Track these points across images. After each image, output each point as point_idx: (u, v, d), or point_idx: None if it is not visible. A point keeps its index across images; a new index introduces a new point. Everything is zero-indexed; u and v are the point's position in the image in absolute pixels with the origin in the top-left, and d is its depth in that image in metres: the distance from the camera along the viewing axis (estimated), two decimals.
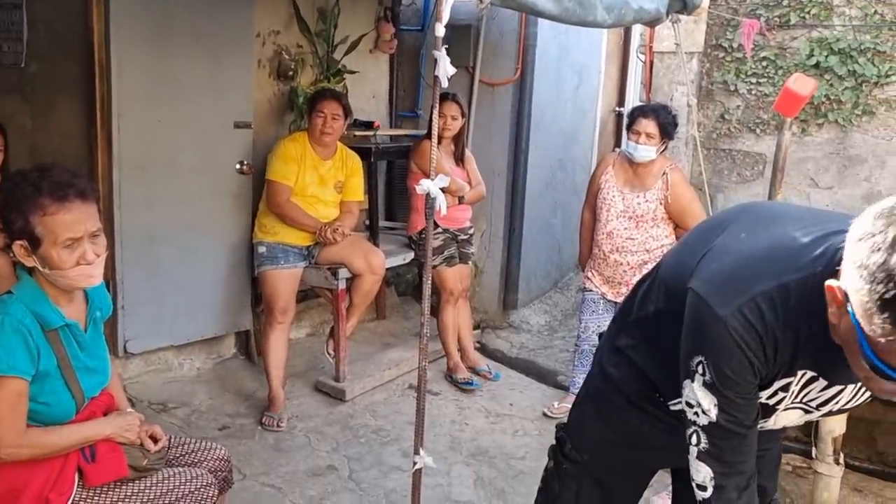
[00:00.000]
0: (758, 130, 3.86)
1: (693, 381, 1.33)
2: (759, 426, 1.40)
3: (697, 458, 1.38)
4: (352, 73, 4.32)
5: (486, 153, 4.69)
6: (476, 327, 4.72)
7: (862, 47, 3.55)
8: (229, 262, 3.80)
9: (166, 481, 1.90)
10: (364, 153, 3.98)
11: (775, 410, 1.42)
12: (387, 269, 3.86)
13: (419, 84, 5.06)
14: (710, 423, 1.34)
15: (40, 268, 1.70)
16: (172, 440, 2.08)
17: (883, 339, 1.05)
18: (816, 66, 3.63)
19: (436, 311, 4.19)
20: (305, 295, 4.19)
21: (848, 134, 3.68)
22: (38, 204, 1.66)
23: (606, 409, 1.71)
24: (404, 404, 3.77)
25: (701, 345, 1.31)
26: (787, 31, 3.72)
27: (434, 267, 4.01)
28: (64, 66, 3.34)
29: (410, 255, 4.19)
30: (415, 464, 2.20)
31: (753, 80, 3.81)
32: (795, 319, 1.23)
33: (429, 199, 2.07)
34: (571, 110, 5.56)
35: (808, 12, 3.65)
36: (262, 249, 3.61)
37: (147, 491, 1.87)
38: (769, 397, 1.37)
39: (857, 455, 3.37)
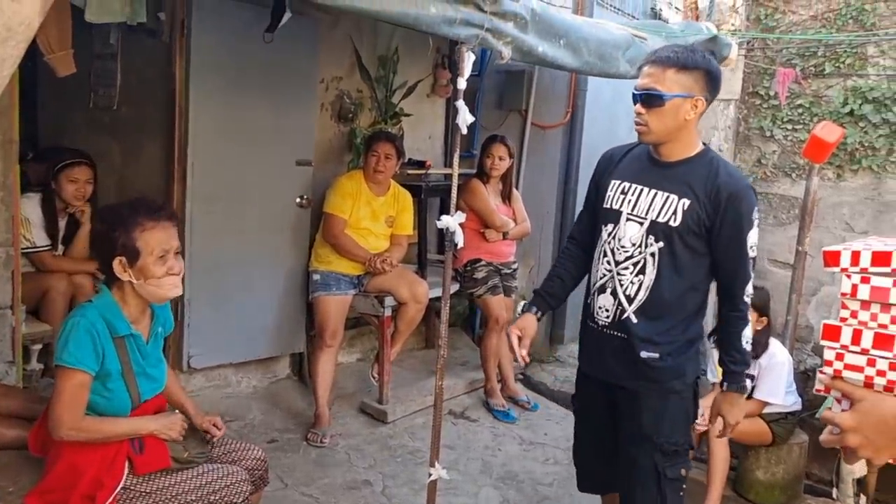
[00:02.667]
0: (793, 175, 3.94)
1: None
2: (614, 238, 2.20)
3: None
4: (407, 115, 4.63)
5: (536, 193, 4.90)
6: None
7: (895, 96, 3.61)
8: (286, 289, 4.11)
9: (205, 475, 2.17)
10: (415, 190, 4.27)
11: (620, 215, 2.17)
12: (432, 299, 4.09)
13: (475, 126, 5.33)
14: None
15: (134, 280, 2.05)
16: (216, 440, 2.37)
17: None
18: (851, 113, 3.71)
19: (482, 340, 4.40)
20: (357, 322, 4.47)
21: (882, 180, 3.72)
22: (137, 222, 2.04)
23: None
24: (443, 429, 3.90)
25: None
26: (823, 80, 3.82)
27: (479, 296, 4.23)
28: (150, 109, 3.76)
29: (456, 287, 4.42)
30: (430, 475, 2.39)
31: (789, 127, 3.90)
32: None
33: (447, 233, 2.30)
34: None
35: (843, 62, 3.73)
36: (316, 277, 3.92)
37: (188, 482, 2.14)
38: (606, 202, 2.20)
39: (892, 502, 3.34)
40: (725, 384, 2.22)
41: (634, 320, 2.18)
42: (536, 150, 5.06)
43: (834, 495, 3.15)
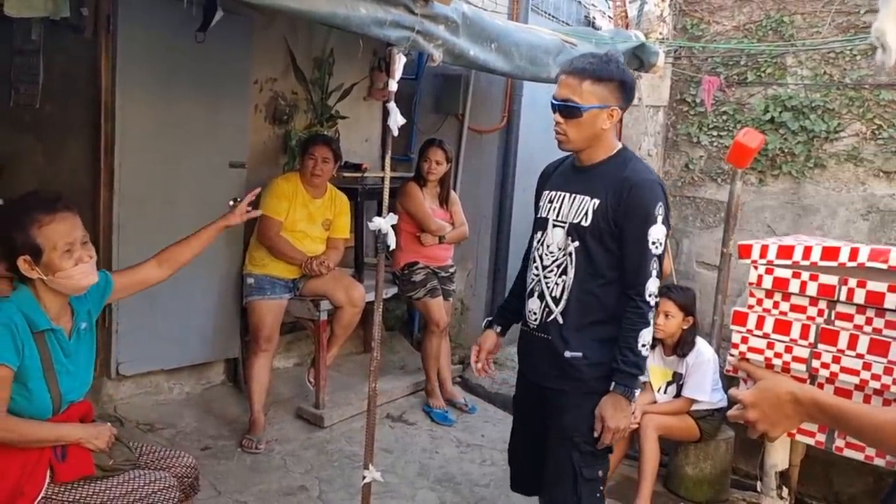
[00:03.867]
0: (719, 180, 4.08)
1: None
2: (542, 244, 2.27)
3: None
4: (343, 118, 4.61)
5: (473, 196, 4.94)
6: (460, 363, 4.91)
7: (813, 104, 3.79)
8: (220, 293, 4.04)
9: (131, 482, 2.11)
10: (352, 193, 4.25)
11: (547, 222, 2.25)
12: (368, 303, 4.07)
13: (412, 129, 5.35)
14: None
15: (43, 276, 1.98)
16: (144, 447, 2.31)
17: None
18: (772, 120, 3.87)
19: (420, 344, 4.40)
20: (293, 327, 4.42)
21: (801, 185, 3.89)
22: (33, 219, 1.96)
23: None
24: (380, 433, 3.92)
25: None
26: (745, 88, 3.98)
27: (418, 299, 4.24)
28: (74, 108, 3.64)
29: (394, 290, 4.42)
30: (363, 478, 2.38)
31: (714, 133, 4.05)
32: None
33: (380, 235, 2.30)
34: (560, 154, 5.80)
35: (764, 71, 3.90)
36: (250, 281, 3.86)
37: (113, 489, 2.07)
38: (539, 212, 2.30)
39: (813, 494, 3.48)
40: (613, 384, 2.15)
41: (560, 321, 2.22)
42: (473, 154, 5.11)
43: (758, 488, 3.26)
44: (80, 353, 2.13)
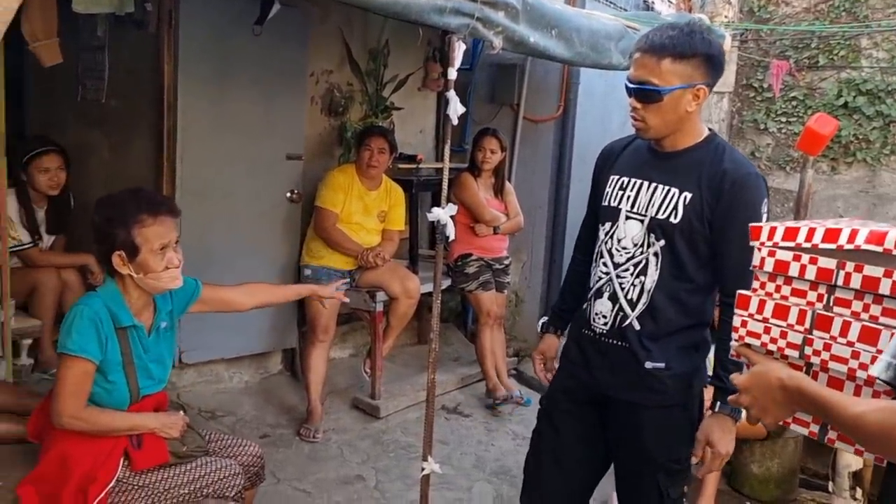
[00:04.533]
0: (788, 168, 3.92)
1: None
2: (612, 238, 2.01)
3: None
4: (398, 109, 4.60)
5: (528, 187, 4.88)
6: (514, 355, 4.87)
7: (889, 88, 3.60)
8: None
9: (200, 468, 2.16)
10: (407, 185, 4.24)
11: (618, 213, 1.98)
12: (425, 295, 4.07)
13: (466, 120, 5.30)
14: None
15: (134, 274, 2.04)
16: (212, 434, 2.36)
17: None
18: (845, 105, 3.70)
19: (474, 336, 4.37)
20: (349, 318, 4.45)
21: (876, 173, 3.71)
22: (137, 219, 2.02)
23: None
24: (436, 424, 3.86)
25: None
26: (816, 72, 3.81)
27: (470, 291, 4.21)
28: (138, 103, 3.72)
29: (448, 282, 4.40)
30: (423, 469, 2.37)
31: (783, 119, 3.89)
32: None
33: (438, 226, 2.27)
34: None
35: (837, 54, 3.72)
36: (307, 272, 3.89)
37: (181, 476, 2.12)
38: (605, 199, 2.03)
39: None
40: (718, 405, 1.90)
41: (637, 327, 1.97)
42: (528, 144, 5.04)
43: (830, 489, 3.14)
44: (158, 351, 2.19)
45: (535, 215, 4.91)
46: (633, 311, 1.97)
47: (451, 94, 2.25)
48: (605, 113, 5.39)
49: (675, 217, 1.89)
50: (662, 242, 1.92)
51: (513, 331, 4.99)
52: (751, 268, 1.63)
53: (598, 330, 2.04)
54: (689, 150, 1.93)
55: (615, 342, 2.00)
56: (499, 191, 4.33)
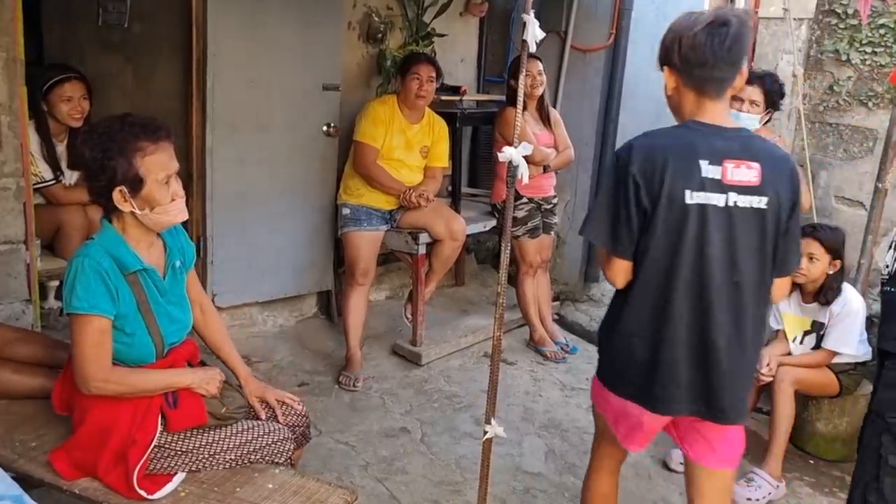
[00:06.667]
0: (870, 104, 3.58)
1: None
2: None
3: None
4: (441, 36, 4.28)
5: (574, 121, 4.55)
6: (556, 299, 4.66)
7: None
8: (314, 223, 3.87)
9: (245, 433, 1.97)
10: (449, 118, 3.95)
11: None
12: (467, 237, 3.84)
13: (509, 48, 4.97)
14: None
15: (138, 210, 1.80)
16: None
17: None
18: None
19: (513, 281, 4.15)
20: (386, 258, 4.24)
21: None
22: (138, 147, 1.77)
23: None
24: (478, 372, 3.77)
25: None
26: None
27: (516, 238, 3.95)
28: (164, 27, 3.44)
29: (492, 223, 4.16)
30: (485, 433, 2.19)
31: (869, 50, 3.53)
32: None
33: (510, 168, 2.02)
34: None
35: None
36: (346, 211, 3.66)
37: (226, 440, 1.94)
38: None
39: None
40: None
41: None
42: (575, 75, 4.71)
43: None
44: (176, 292, 1.97)
45: (580, 152, 4.59)
46: None
47: (529, 17, 1.96)
48: (655, 44, 5.00)
49: None
50: None
51: (554, 273, 4.76)
52: None
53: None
54: None
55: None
56: (546, 121, 4.02)
